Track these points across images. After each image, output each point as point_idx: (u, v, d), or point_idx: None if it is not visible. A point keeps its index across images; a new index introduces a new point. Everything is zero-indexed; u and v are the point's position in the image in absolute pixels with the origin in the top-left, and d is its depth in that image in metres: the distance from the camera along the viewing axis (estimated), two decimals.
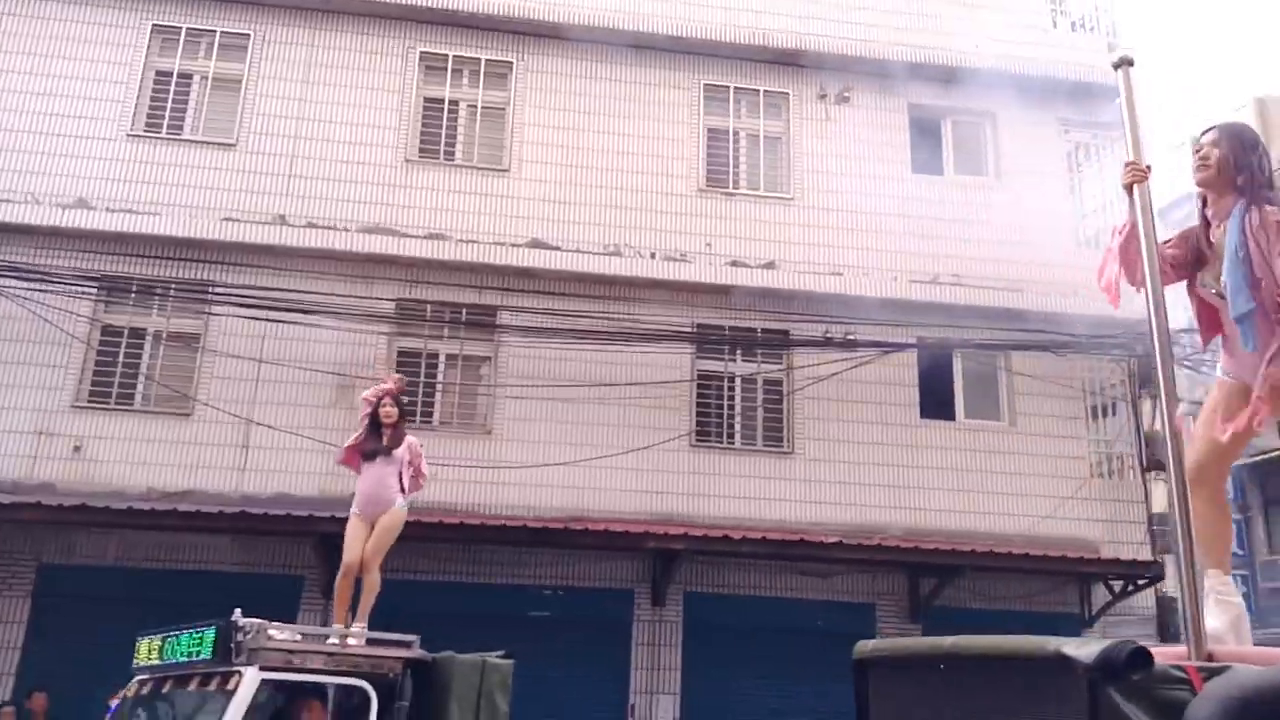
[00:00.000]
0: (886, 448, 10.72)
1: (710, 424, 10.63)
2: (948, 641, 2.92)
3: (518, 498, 9.51)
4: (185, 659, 4.88)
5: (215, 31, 10.41)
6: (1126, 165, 2.81)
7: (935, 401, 11.19)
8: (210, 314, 9.44)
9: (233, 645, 4.69)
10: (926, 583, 10.38)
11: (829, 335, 10.72)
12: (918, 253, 11.20)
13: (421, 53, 10.86)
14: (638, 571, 9.87)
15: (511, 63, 11.13)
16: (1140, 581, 10.41)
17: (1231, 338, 2.84)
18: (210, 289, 9.51)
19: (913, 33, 11.74)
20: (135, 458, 8.95)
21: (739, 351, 10.98)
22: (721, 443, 10.58)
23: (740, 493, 10.26)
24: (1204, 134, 2.87)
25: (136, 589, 8.30)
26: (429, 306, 10.10)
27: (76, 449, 8.82)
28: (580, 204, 10.68)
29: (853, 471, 10.58)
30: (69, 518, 8.31)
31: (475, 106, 10.98)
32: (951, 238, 11.31)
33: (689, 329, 10.63)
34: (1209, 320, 2.91)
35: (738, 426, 10.72)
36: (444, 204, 10.31)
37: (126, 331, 9.45)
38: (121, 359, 9.37)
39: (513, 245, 10.30)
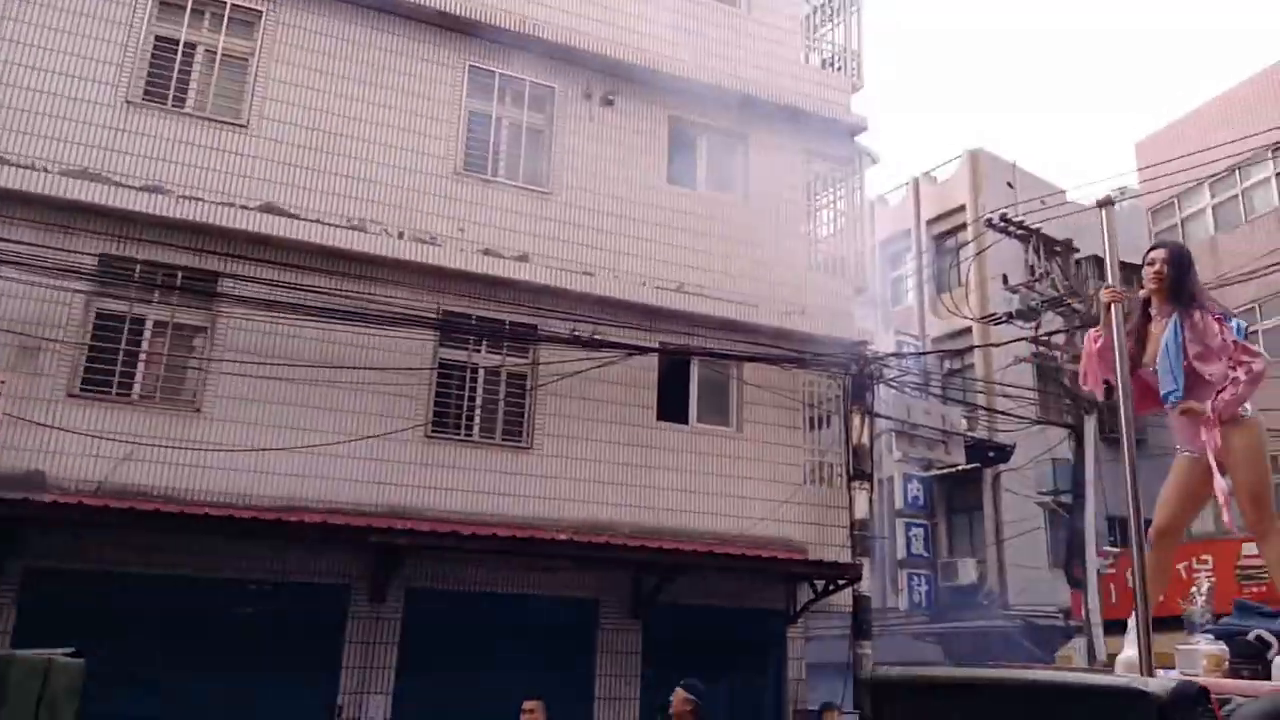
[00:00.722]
0: (623, 447, 11.26)
1: (449, 415, 10.65)
2: (989, 673, 3.10)
3: (227, 484, 9.06)
4: None
5: None
6: (1106, 288, 3.40)
7: (671, 405, 11.88)
8: None
9: None
10: (649, 580, 10.99)
11: (576, 334, 11.05)
12: (667, 261, 11.85)
13: None
14: (357, 566, 9.70)
15: (261, 11, 10.53)
16: (840, 582, 11.60)
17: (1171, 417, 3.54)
18: None
19: (680, 47, 12.37)
20: None
21: (484, 342, 11.07)
22: (459, 434, 10.64)
23: (475, 486, 10.39)
24: (1153, 250, 3.61)
25: None
26: (139, 266, 9.33)
27: None
28: (325, 172, 10.33)
29: (589, 469, 11.03)
30: None
31: (215, 52, 10.30)
32: (699, 250, 12.06)
33: (434, 315, 10.59)
34: (1143, 394, 3.56)
35: (477, 419, 10.82)
36: (167, 154, 9.61)
37: None
38: None
39: (243, 208, 9.78)
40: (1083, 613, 13.27)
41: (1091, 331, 3.64)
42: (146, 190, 9.36)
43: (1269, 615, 3.42)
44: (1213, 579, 10.91)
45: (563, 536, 10.20)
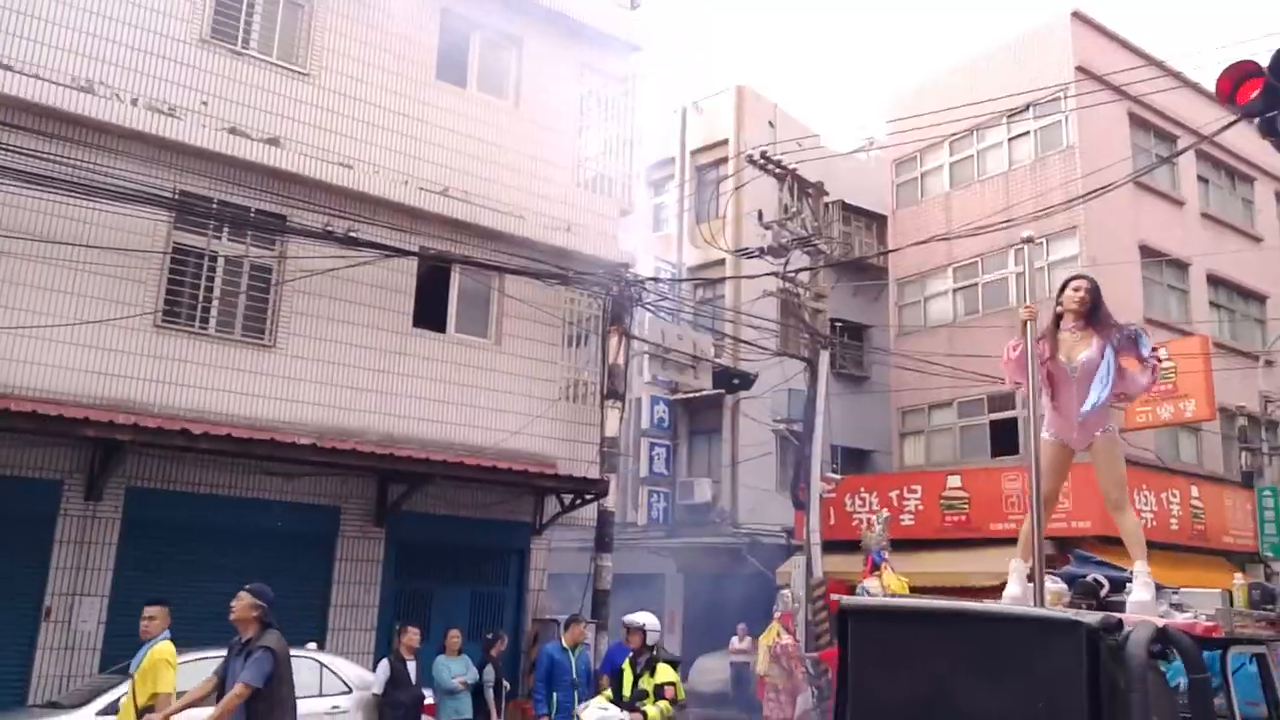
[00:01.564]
0: (375, 352, 12.11)
1: (182, 305, 10.96)
2: (948, 605, 4.05)
3: None
4: None
5: None
6: (1025, 307, 4.84)
7: (429, 313, 12.83)
8: None
9: None
10: (396, 488, 11.99)
11: (330, 229, 11.64)
12: (432, 161, 12.68)
13: None
14: (71, 461, 9.94)
15: None
16: (588, 496, 13.22)
17: (1061, 408, 4.95)
18: None
19: None
20: None
21: (226, 229, 11.39)
22: (193, 326, 10.99)
23: (210, 383, 10.85)
24: (1077, 279, 4.97)
25: None
26: None
27: None
28: (43, 20, 10.12)
29: (337, 373, 11.78)
30: None
31: None
32: (465, 153, 12.98)
33: (169, 195, 10.77)
34: (1050, 382, 4.97)
35: (214, 311, 11.19)
36: None
37: None
38: None
39: None
40: (804, 533, 15.95)
41: (1011, 340, 5.13)
42: None
43: (1100, 564, 5.04)
44: (888, 513, 13.70)
45: (304, 440, 10.84)
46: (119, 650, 9.25)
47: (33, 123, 9.89)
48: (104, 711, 7.92)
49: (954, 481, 17.79)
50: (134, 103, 10.59)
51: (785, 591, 14.01)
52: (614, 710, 7.46)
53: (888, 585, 12.76)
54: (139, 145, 10.61)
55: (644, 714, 7.43)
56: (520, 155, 13.46)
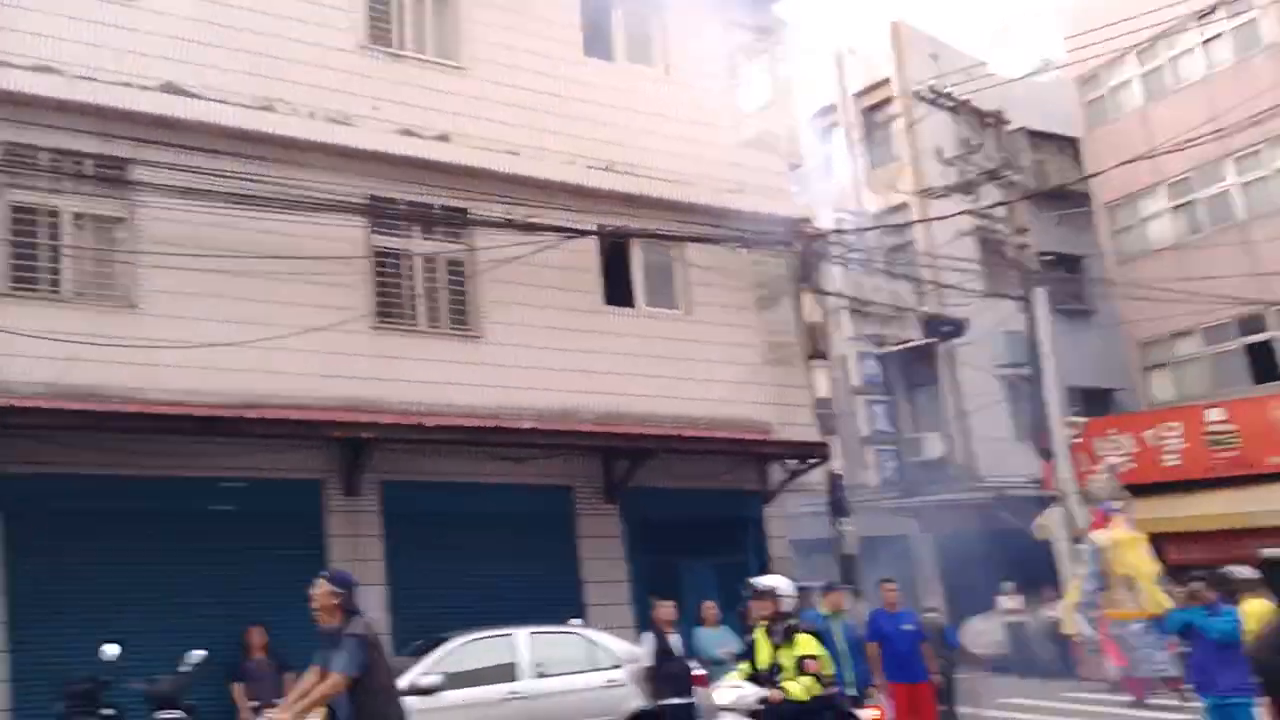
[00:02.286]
0: (573, 333, 13.03)
1: (391, 304, 12.15)
2: None
3: (176, 381, 10.32)
4: None
5: None
6: None
7: (617, 289, 13.73)
8: None
9: None
10: (620, 465, 12.89)
11: (509, 217, 12.71)
12: (593, 138, 13.64)
13: None
14: (326, 461, 11.16)
15: None
16: (812, 460, 13.75)
17: None
18: None
19: None
20: None
21: (417, 228, 12.61)
22: (405, 324, 12.18)
23: (427, 377, 11.94)
24: None
25: None
26: (45, 154, 10.44)
27: None
28: (222, 48, 11.50)
29: (541, 356, 12.73)
30: None
31: None
32: (624, 126, 13.91)
33: (360, 200, 12.03)
34: None
35: (421, 308, 12.36)
36: (54, 30, 10.61)
37: None
38: None
39: (142, 88, 10.92)
40: (1054, 483, 15.95)
41: None
42: (38, 70, 10.41)
43: None
44: (1116, 461, 13.73)
45: (527, 424, 11.91)
46: (406, 634, 10.56)
47: (229, 146, 11.25)
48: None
49: (1215, 415, 17.47)
50: (311, 115, 11.94)
51: (1083, 546, 13.88)
52: (749, 688, 7.14)
53: (1116, 540, 12.78)
54: (322, 156, 11.87)
55: (785, 690, 6.99)
56: (678, 121, 14.30)
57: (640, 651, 10.25)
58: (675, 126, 14.36)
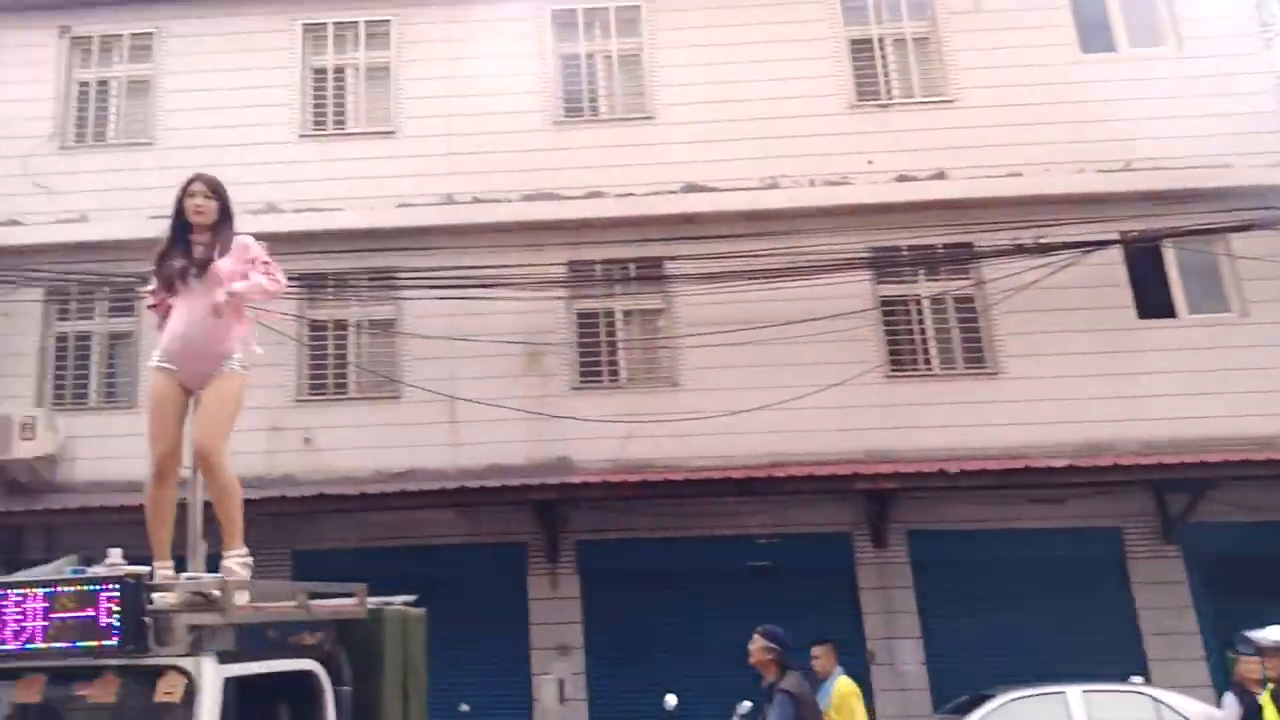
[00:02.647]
0: (1103, 356, 12.39)
1: (903, 352, 12.83)
2: None
3: (713, 448, 12.04)
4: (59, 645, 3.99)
5: (359, 23, 13.40)
6: None
7: (1152, 299, 12.83)
8: (400, 299, 12.44)
9: (147, 619, 3.97)
10: (1177, 500, 11.89)
11: (1018, 242, 12.71)
12: (1103, 139, 13.09)
13: (552, 11, 13.52)
14: (852, 513, 12.15)
15: (639, 5, 13.65)
16: None
17: None
18: (395, 275, 12.50)
19: None
20: (357, 443, 12.07)
21: (921, 271, 13.19)
22: (919, 370, 12.78)
23: (945, 421, 12.29)
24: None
25: (379, 568, 11.22)
26: (599, 265, 12.80)
27: (306, 440, 12.05)
28: (729, 140, 13.04)
29: (1069, 386, 12.32)
30: (310, 507, 11.36)
31: (611, 57, 13.57)
32: (1137, 119, 13.14)
33: (864, 254, 12.92)
34: None
35: (933, 351, 12.89)
36: (597, 160, 12.95)
37: (330, 325, 12.62)
38: (331, 351, 12.58)
39: (668, 193, 12.85)
40: None
41: None
42: (589, 197, 12.79)
43: None
44: None
45: (1062, 463, 11.38)
46: (943, 689, 11.12)
47: (743, 228, 12.67)
48: None
49: None
50: (811, 183, 13.06)
51: None
52: None
53: None
54: (824, 219, 12.88)
55: None
56: (1200, 98, 13.17)
57: (1220, 715, 9.16)
58: (1198, 105, 13.24)
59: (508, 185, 12.85)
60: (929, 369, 12.76)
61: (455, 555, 11.85)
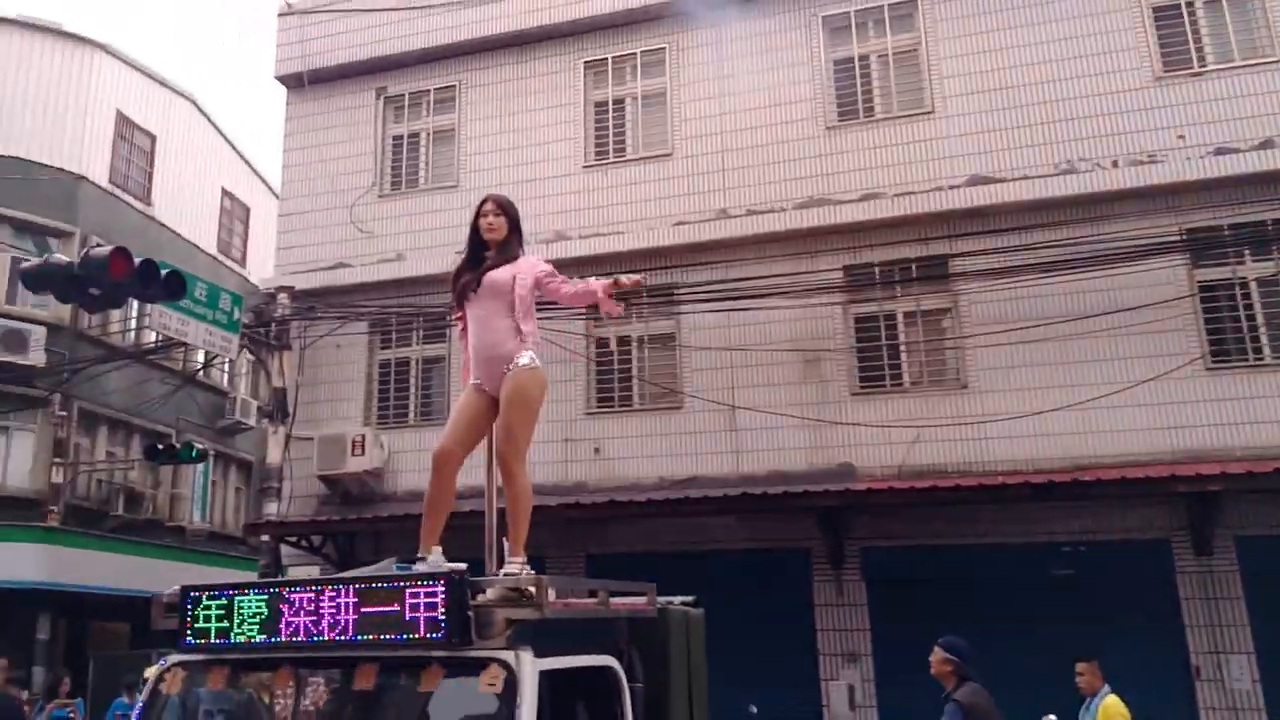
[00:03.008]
0: None
1: (1227, 341, 11.55)
2: None
3: (1008, 451, 11.40)
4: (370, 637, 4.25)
5: (636, 54, 14.07)
6: None
7: None
8: (680, 313, 12.81)
9: (470, 613, 4.14)
10: None
11: None
12: None
13: (824, 17, 13.49)
14: (1170, 518, 11.06)
15: (915, 0, 13.30)
16: None
17: None
18: (674, 291, 12.88)
19: None
20: (642, 452, 12.56)
21: (1246, 251, 11.81)
22: (1246, 361, 11.43)
23: (1270, 415, 11.01)
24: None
25: (665, 572, 11.49)
26: (877, 268, 12.51)
27: (596, 450, 12.67)
28: (1017, 127, 12.40)
29: None
30: (600, 513, 11.89)
31: (886, 56, 13.31)
32: None
33: (1175, 237, 11.77)
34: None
35: (1264, 339, 11.50)
36: (872, 161, 12.72)
37: (615, 341, 13.21)
38: (616, 366, 13.16)
39: (951, 188, 12.36)
40: None
41: None
42: (865, 199, 12.56)
43: None
44: None
45: None
46: None
47: (1035, 218, 11.95)
48: None
49: None
50: (1114, 164, 12.08)
51: None
52: None
53: None
54: (1130, 201, 11.85)
55: None
56: None
57: None
58: None
59: (781, 195, 12.91)
60: (1259, 358, 11.38)
61: (738, 560, 11.95)
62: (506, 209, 5.22)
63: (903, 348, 12.38)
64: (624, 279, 5.04)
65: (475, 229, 5.21)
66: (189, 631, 4.65)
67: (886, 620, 11.46)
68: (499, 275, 5.03)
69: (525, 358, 4.93)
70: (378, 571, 4.84)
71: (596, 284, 5.05)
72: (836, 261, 12.60)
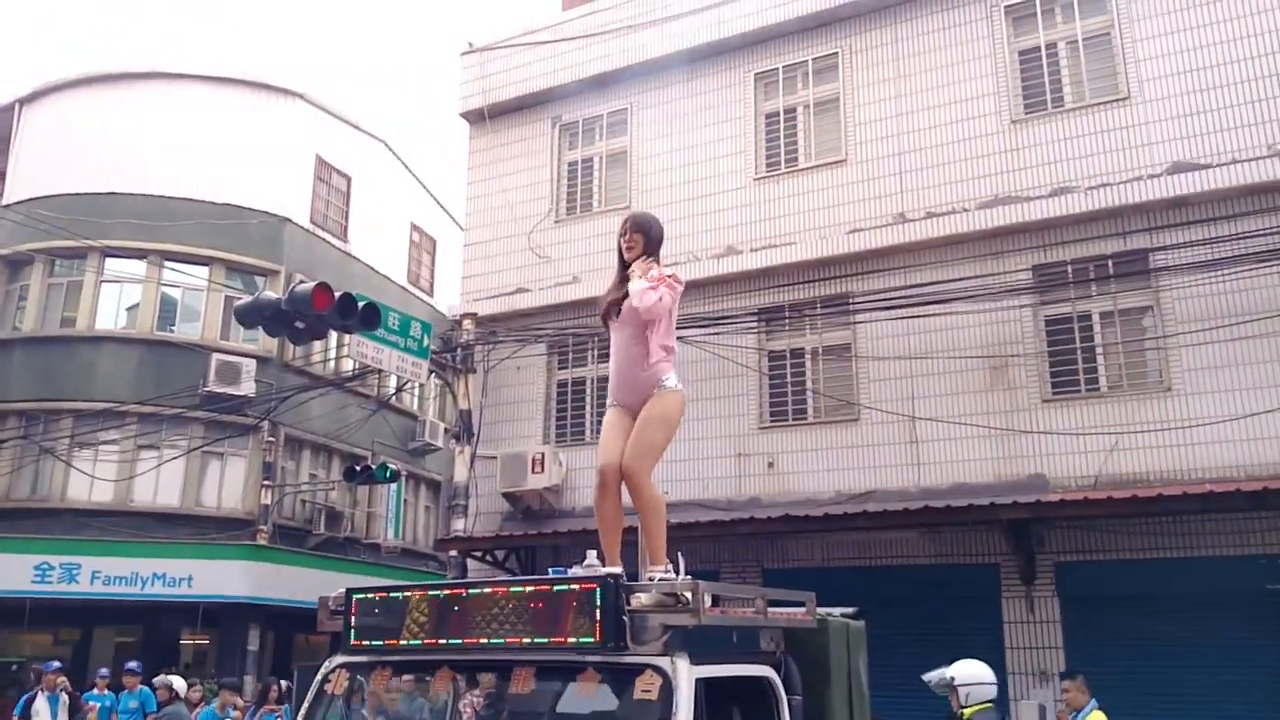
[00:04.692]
0: None
1: None
2: None
3: (1217, 457, 10.94)
4: (522, 639, 4.45)
5: (807, 61, 14.38)
6: None
7: None
8: (855, 323, 12.94)
9: (625, 618, 4.22)
10: None
11: None
12: None
13: (1005, 6, 13.37)
14: None
15: None
16: None
17: None
18: (850, 300, 13.03)
19: None
20: (818, 466, 12.72)
21: None
22: None
23: None
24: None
25: (843, 586, 11.55)
26: (1069, 266, 12.27)
27: (770, 465, 12.94)
28: (1223, 108, 11.92)
29: None
30: (776, 528, 12.14)
31: (1075, 41, 13.06)
32: None
33: None
34: None
35: None
36: (1062, 154, 12.48)
37: (788, 353, 13.48)
38: (789, 379, 13.40)
39: (1151, 177, 11.99)
40: None
41: None
42: (1055, 195, 12.35)
43: None
44: None
45: None
46: None
47: (1246, 205, 11.45)
48: None
49: None
50: None
51: None
52: None
53: None
54: None
55: None
56: None
57: None
58: None
59: (963, 195, 12.86)
60: None
61: (921, 576, 12.00)
62: (641, 227, 5.36)
63: (1099, 350, 12.07)
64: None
65: (621, 249, 5.41)
66: (352, 633, 5.01)
67: (1082, 638, 11.21)
68: (633, 290, 5.18)
69: (671, 380, 5.13)
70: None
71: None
72: (1025, 261, 12.45)
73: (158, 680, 14.25)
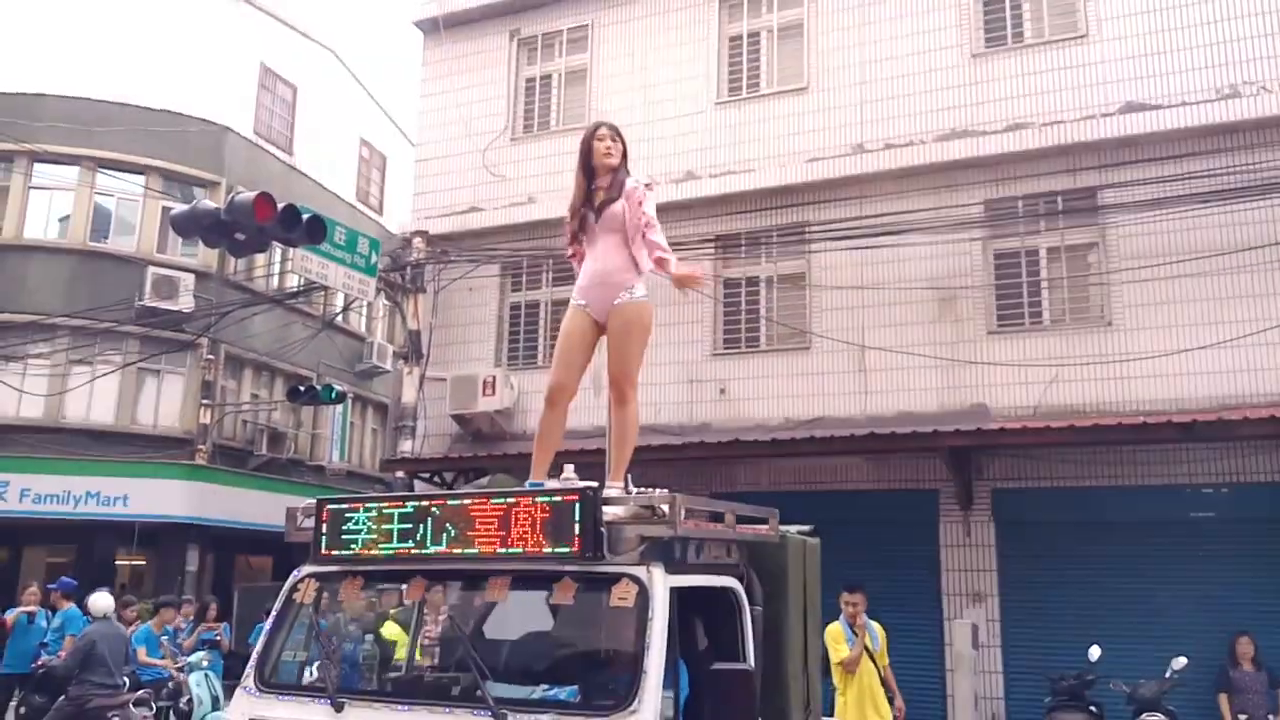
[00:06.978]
0: None
1: None
2: None
3: (1152, 391, 12.13)
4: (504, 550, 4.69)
5: None
6: None
7: None
8: (810, 252, 13.92)
9: (603, 529, 4.54)
10: None
11: None
12: None
13: None
14: None
15: None
16: None
17: None
18: (805, 229, 14.00)
19: None
20: (768, 393, 13.82)
21: None
22: None
23: None
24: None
25: (789, 510, 12.57)
26: (1020, 202, 13.31)
27: (721, 392, 14.00)
28: (1178, 50, 12.91)
29: None
30: (726, 452, 13.23)
31: None
32: None
33: None
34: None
35: None
36: (1019, 90, 13.46)
37: (743, 281, 14.48)
38: (743, 307, 14.42)
39: (1103, 115, 12.99)
40: None
41: None
42: (1010, 130, 13.32)
43: None
44: None
45: None
46: None
47: (1192, 146, 12.44)
48: None
49: None
50: None
51: None
52: None
53: None
54: None
55: None
56: None
57: None
58: None
59: (921, 127, 13.80)
60: None
61: (864, 500, 13.19)
62: (621, 135, 5.72)
63: (1044, 284, 13.20)
64: (686, 277, 5.54)
65: (587, 153, 5.66)
66: (323, 541, 5.21)
67: (1015, 561, 12.47)
68: (617, 208, 5.53)
69: (640, 289, 5.49)
70: (486, 487, 5.33)
71: (672, 264, 5.43)
72: (977, 196, 13.46)
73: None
